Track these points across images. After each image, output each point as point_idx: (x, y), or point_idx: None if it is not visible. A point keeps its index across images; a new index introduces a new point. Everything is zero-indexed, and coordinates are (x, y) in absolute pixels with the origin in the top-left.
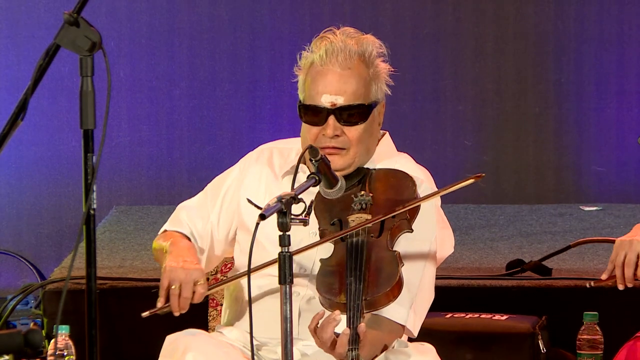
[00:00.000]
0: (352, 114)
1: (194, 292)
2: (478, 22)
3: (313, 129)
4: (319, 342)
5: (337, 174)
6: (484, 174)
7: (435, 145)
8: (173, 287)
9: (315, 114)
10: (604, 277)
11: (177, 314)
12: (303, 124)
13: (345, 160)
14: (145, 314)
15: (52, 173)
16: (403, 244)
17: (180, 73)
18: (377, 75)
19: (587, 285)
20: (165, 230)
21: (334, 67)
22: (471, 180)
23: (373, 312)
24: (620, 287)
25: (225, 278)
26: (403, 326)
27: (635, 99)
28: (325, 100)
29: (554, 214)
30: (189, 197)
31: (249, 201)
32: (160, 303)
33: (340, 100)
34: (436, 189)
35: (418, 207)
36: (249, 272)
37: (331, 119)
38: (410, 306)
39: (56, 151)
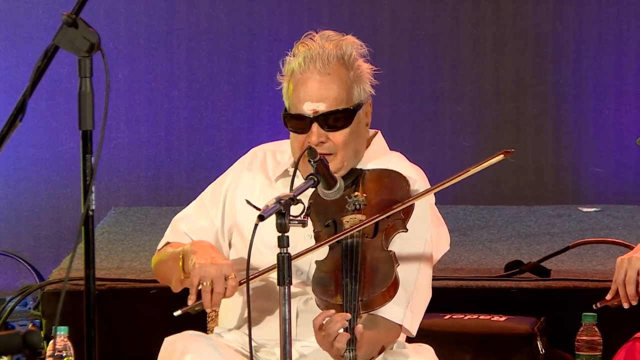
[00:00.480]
0: (336, 118)
1: (225, 288)
2: (477, 23)
3: (299, 137)
4: (320, 338)
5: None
6: (513, 149)
7: (434, 146)
8: (205, 283)
9: (298, 122)
10: (608, 297)
11: (209, 310)
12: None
13: (334, 165)
14: (177, 312)
15: (50, 174)
16: (398, 243)
17: (179, 74)
18: (358, 76)
19: (594, 307)
20: (168, 242)
21: (313, 74)
22: (500, 157)
23: (369, 312)
24: (626, 305)
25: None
26: (400, 325)
27: (633, 100)
28: (307, 108)
29: (552, 215)
30: (188, 198)
31: (248, 202)
32: (191, 301)
33: (322, 107)
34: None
35: (412, 207)
36: (247, 273)
37: (314, 127)
38: (407, 305)
39: (55, 152)
